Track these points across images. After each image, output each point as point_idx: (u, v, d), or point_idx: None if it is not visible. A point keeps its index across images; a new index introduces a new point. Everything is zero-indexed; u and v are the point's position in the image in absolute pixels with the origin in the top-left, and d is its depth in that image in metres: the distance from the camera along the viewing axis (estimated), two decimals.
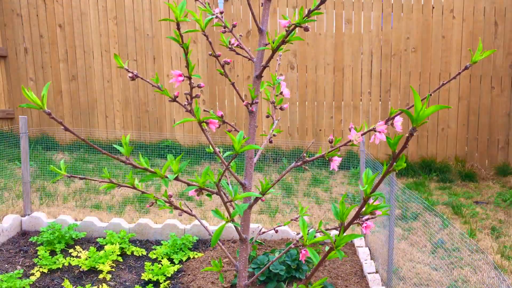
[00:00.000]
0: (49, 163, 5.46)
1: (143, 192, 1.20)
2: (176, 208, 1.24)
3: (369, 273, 3.24)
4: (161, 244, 3.80)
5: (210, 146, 1.25)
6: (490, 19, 6.22)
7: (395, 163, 0.90)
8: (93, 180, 1.22)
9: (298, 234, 3.97)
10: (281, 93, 1.38)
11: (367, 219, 1.16)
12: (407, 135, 0.85)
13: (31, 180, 4.24)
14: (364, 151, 3.77)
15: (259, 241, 3.68)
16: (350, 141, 1.14)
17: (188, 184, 1.11)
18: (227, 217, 1.20)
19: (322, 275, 3.34)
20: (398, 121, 1.12)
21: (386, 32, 6.46)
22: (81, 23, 6.66)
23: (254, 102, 1.21)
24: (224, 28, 1.29)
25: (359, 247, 3.68)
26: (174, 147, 6.39)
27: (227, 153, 1.09)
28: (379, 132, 1.12)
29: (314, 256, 1.10)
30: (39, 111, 6.80)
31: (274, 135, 1.35)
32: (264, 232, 1.50)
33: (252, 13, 1.21)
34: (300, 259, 1.21)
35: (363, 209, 1.04)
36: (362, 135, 1.16)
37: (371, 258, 3.53)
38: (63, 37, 6.69)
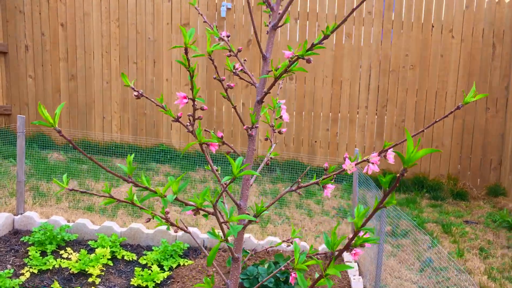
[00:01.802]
0: (44, 162, 5.46)
1: (141, 208, 1.23)
2: (172, 225, 1.27)
3: None
4: (152, 250, 3.82)
5: (209, 165, 1.28)
6: (488, 40, 6.30)
7: (385, 200, 0.93)
8: (94, 194, 1.25)
9: (288, 246, 3.99)
10: (280, 117, 1.42)
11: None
12: (398, 174, 0.89)
13: (25, 179, 4.25)
14: (358, 167, 3.81)
15: (248, 251, 3.70)
16: (344, 170, 1.18)
17: (186, 204, 1.14)
18: (222, 237, 1.23)
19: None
20: (391, 154, 1.16)
21: (385, 48, 6.52)
22: (83, 23, 6.68)
23: (254, 126, 1.24)
24: (230, 51, 1.33)
25: (347, 262, 3.72)
26: (170, 152, 6.41)
27: (226, 177, 1.12)
28: (372, 163, 1.16)
29: (302, 282, 1.14)
30: (36, 108, 6.81)
31: (271, 158, 1.39)
32: (256, 253, 1.53)
33: (254, 28, 1.25)
34: (290, 281, 1.24)
35: (353, 241, 1.08)
36: (356, 165, 1.20)
37: (360, 274, 3.56)
38: (65, 36, 6.71)
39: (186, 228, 1.31)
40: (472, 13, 6.28)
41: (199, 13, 1.45)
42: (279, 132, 1.42)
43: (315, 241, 4.34)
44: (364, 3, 6.47)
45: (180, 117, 1.24)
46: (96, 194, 1.25)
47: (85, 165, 5.73)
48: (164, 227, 3.96)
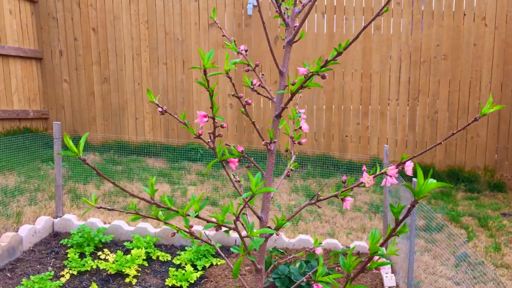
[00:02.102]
0: (80, 164, 5.63)
1: (166, 223, 1.28)
2: (196, 238, 1.31)
3: (389, 287, 3.26)
4: (186, 250, 3.90)
5: (230, 180, 1.31)
6: None
7: (397, 229, 0.94)
8: (120, 211, 1.30)
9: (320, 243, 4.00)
10: (300, 127, 1.43)
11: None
12: (409, 206, 0.89)
13: (63, 182, 4.40)
14: (387, 164, 3.78)
15: (281, 251, 3.73)
16: (362, 182, 1.19)
17: (208, 221, 1.18)
18: (244, 251, 1.26)
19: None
20: (409, 166, 1.16)
21: (415, 38, 6.41)
22: (114, 27, 6.82)
23: (272, 141, 1.27)
24: (248, 66, 1.35)
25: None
26: (200, 150, 6.48)
27: (245, 194, 1.15)
28: (390, 176, 1.17)
29: None
30: (71, 111, 7.02)
31: (291, 170, 1.41)
32: (285, 261, 1.56)
33: (269, 42, 1.27)
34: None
35: (368, 265, 1.09)
36: (374, 177, 1.20)
37: (392, 272, 3.54)
38: (96, 40, 6.87)
39: (210, 241, 1.34)
40: None
41: (218, 27, 1.47)
42: (299, 143, 1.43)
43: (347, 238, 4.33)
44: None
45: (201, 134, 1.28)
46: (122, 211, 1.30)
47: (119, 166, 5.87)
48: (196, 228, 4.04)
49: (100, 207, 1.30)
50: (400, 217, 0.92)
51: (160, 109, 1.36)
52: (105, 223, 4.23)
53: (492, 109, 1.11)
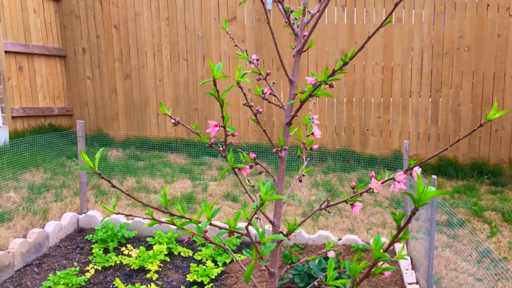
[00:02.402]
0: (104, 160, 5.74)
1: (182, 228, 1.31)
2: (211, 242, 1.35)
3: (409, 284, 3.26)
4: (206, 246, 3.96)
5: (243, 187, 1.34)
6: None
7: (399, 236, 0.95)
8: (140, 217, 1.34)
9: (339, 239, 4.02)
10: (312, 133, 1.45)
11: None
12: (409, 213, 0.91)
13: (87, 179, 4.50)
14: (407, 160, 3.76)
15: (301, 246, 3.76)
16: (370, 188, 1.20)
17: (220, 228, 1.21)
18: (257, 255, 1.29)
19: (362, 283, 3.39)
20: (417, 171, 1.17)
21: (437, 30, 6.31)
22: (135, 24, 6.91)
23: (283, 149, 1.29)
24: (259, 75, 1.37)
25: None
26: (219, 146, 6.52)
27: (256, 202, 1.18)
28: (398, 182, 1.18)
29: None
30: (95, 107, 7.15)
31: (303, 175, 1.43)
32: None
33: (278, 53, 1.28)
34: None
35: (373, 270, 1.11)
36: (382, 183, 1.21)
37: (412, 268, 3.53)
38: (118, 38, 6.97)
39: (224, 244, 1.38)
40: None
41: (230, 37, 1.50)
42: (311, 149, 1.45)
43: (367, 234, 4.33)
44: None
45: (213, 143, 1.31)
46: (141, 217, 1.35)
47: (141, 161, 5.97)
48: (217, 224, 4.09)
49: (119, 213, 1.35)
50: (402, 224, 0.94)
51: (173, 121, 1.40)
52: (128, 219, 4.32)
53: (497, 114, 1.11)
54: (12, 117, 6.12)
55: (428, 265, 3.06)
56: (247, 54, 1.34)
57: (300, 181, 1.41)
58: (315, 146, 1.44)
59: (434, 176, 3.02)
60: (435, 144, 6.49)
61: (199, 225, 1.18)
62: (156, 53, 6.93)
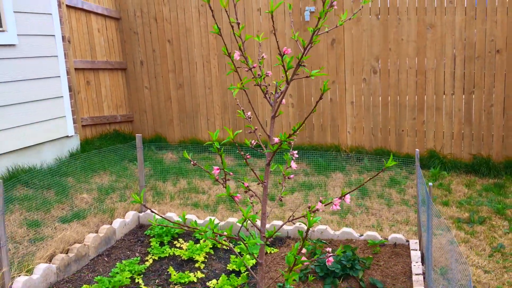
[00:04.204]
0: (160, 163, 6.53)
1: (194, 229, 1.94)
2: (220, 243, 1.97)
3: (415, 274, 3.75)
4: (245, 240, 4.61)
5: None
6: None
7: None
8: (174, 223, 1.99)
9: (361, 235, 4.54)
10: (290, 166, 2.03)
11: None
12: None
13: (145, 183, 5.26)
14: (419, 166, 4.21)
15: (324, 241, 4.32)
16: (318, 209, 1.78)
17: (220, 235, 1.83)
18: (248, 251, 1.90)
19: (375, 273, 3.92)
20: (347, 198, 1.73)
21: (469, 35, 6.59)
22: (186, 38, 7.65)
23: (264, 182, 1.88)
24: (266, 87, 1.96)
25: (413, 250, 4.18)
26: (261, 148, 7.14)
27: (240, 219, 1.78)
28: (335, 205, 1.75)
29: None
30: (152, 114, 7.98)
31: (282, 197, 2.01)
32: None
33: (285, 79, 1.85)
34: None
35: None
36: (325, 205, 1.78)
37: (422, 261, 4.01)
38: (172, 51, 7.75)
39: (232, 245, 2.00)
40: None
41: (259, 49, 2.10)
42: (289, 178, 2.03)
43: (389, 230, 4.81)
44: None
45: (217, 180, 1.93)
46: (175, 223, 1.99)
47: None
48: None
49: (164, 225, 1.99)
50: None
51: (192, 162, 2.02)
52: (179, 216, 5.05)
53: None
54: (82, 125, 7.04)
55: (427, 257, 3.54)
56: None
57: (281, 200, 1.99)
58: (292, 176, 2.02)
59: (430, 184, 3.48)
60: (469, 143, 6.79)
61: (206, 233, 1.80)
62: (205, 64, 7.64)
